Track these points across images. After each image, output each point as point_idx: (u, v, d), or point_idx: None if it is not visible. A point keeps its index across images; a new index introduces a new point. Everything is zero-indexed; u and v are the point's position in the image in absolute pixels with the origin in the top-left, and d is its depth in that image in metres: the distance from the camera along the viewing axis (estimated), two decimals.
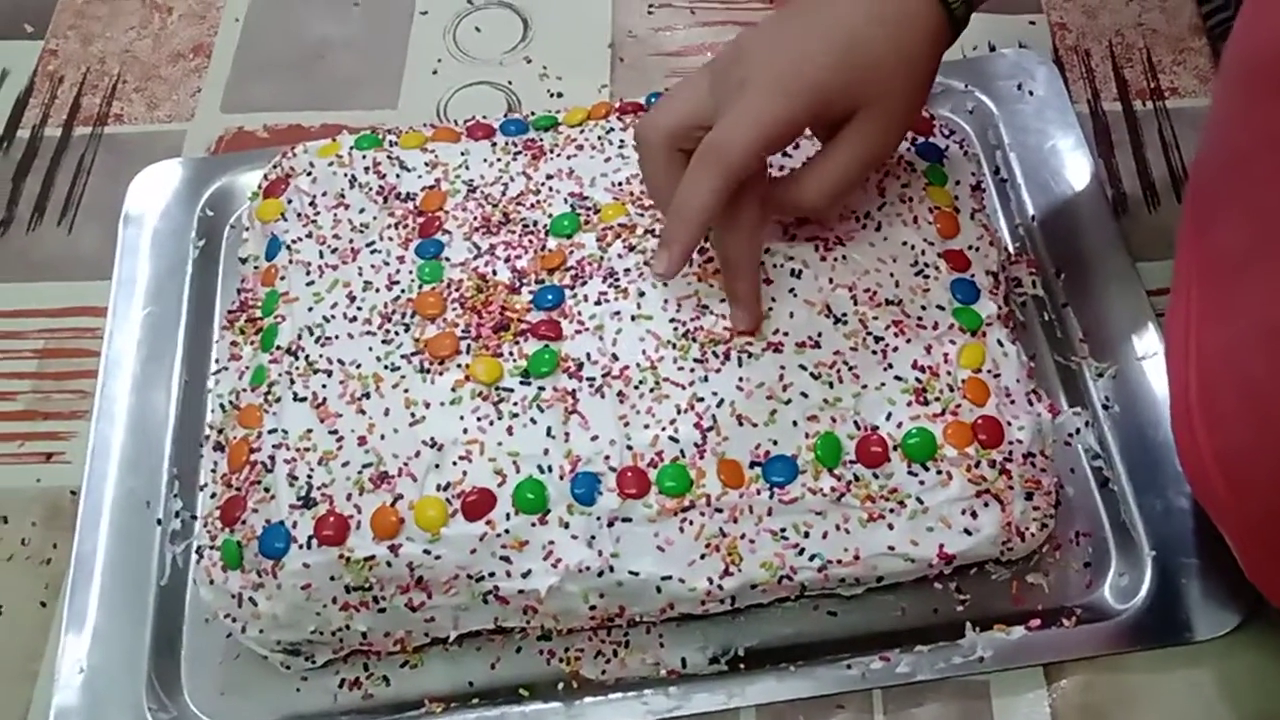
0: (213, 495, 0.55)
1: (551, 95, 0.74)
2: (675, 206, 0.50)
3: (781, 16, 0.52)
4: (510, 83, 0.75)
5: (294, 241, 0.60)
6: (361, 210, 0.60)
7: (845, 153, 0.51)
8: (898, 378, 0.53)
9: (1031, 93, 0.68)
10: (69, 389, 0.65)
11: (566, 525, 0.50)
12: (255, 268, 0.61)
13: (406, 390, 0.53)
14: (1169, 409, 0.53)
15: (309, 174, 0.62)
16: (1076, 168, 0.66)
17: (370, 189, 0.61)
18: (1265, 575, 0.49)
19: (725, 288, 0.54)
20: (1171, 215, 0.66)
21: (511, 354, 0.54)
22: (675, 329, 0.54)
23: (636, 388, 0.53)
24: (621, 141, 0.61)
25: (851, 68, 0.49)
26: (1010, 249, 0.63)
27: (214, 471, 0.56)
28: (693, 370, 0.53)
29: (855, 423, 0.52)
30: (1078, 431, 0.58)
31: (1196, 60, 0.73)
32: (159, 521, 0.58)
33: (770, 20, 0.52)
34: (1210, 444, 0.49)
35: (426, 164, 0.62)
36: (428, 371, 0.54)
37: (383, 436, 0.52)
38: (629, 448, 0.51)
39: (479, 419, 0.52)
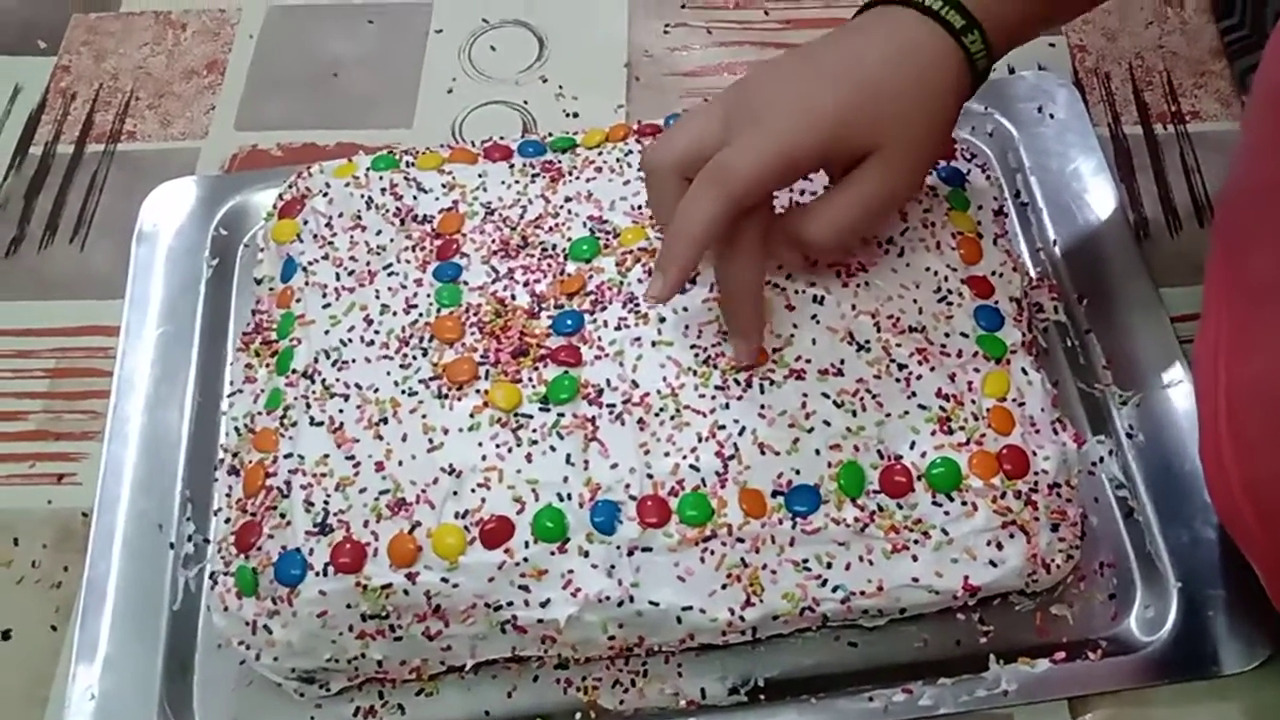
0: (227, 520, 0.54)
1: (567, 115, 0.73)
2: (673, 227, 0.49)
3: (799, 53, 0.51)
4: (526, 102, 0.74)
5: (310, 263, 0.59)
6: (378, 232, 0.60)
7: (857, 191, 0.49)
8: (921, 406, 0.52)
9: (1052, 115, 0.68)
10: (81, 409, 0.64)
11: (586, 554, 0.50)
12: (270, 289, 0.60)
13: (424, 416, 0.53)
14: (1197, 437, 0.52)
15: (325, 194, 0.61)
16: (1098, 191, 0.65)
17: (387, 210, 0.60)
18: None
19: (725, 320, 0.53)
20: (1194, 240, 0.66)
21: (531, 380, 0.53)
22: (696, 355, 0.53)
23: (657, 415, 0.52)
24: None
25: (872, 104, 0.48)
26: (1032, 274, 0.63)
27: (228, 496, 0.55)
28: (714, 398, 0.52)
29: (879, 452, 0.51)
30: (1101, 460, 0.57)
31: (1217, 84, 0.72)
32: (171, 545, 0.58)
33: (786, 56, 0.51)
34: (1239, 473, 0.48)
35: (444, 185, 0.61)
36: (446, 397, 0.53)
37: (400, 463, 0.52)
38: (649, 476, 0.51)
39: (498, 446, 0.52)
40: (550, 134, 0.65)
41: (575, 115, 0.73)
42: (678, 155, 0.50)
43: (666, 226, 0.51)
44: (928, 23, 0.50)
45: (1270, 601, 0.49)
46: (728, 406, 0.52)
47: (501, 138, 0.65)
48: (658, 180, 0.51)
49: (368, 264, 0.59)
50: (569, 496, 0.50)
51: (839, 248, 0.52)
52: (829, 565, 0.50)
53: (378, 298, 0.57)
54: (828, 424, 0.52)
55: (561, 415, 0.52)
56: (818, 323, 0.54)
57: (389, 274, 0.58)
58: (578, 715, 0.52)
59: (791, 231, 0.51)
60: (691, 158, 0.49)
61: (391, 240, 0.59)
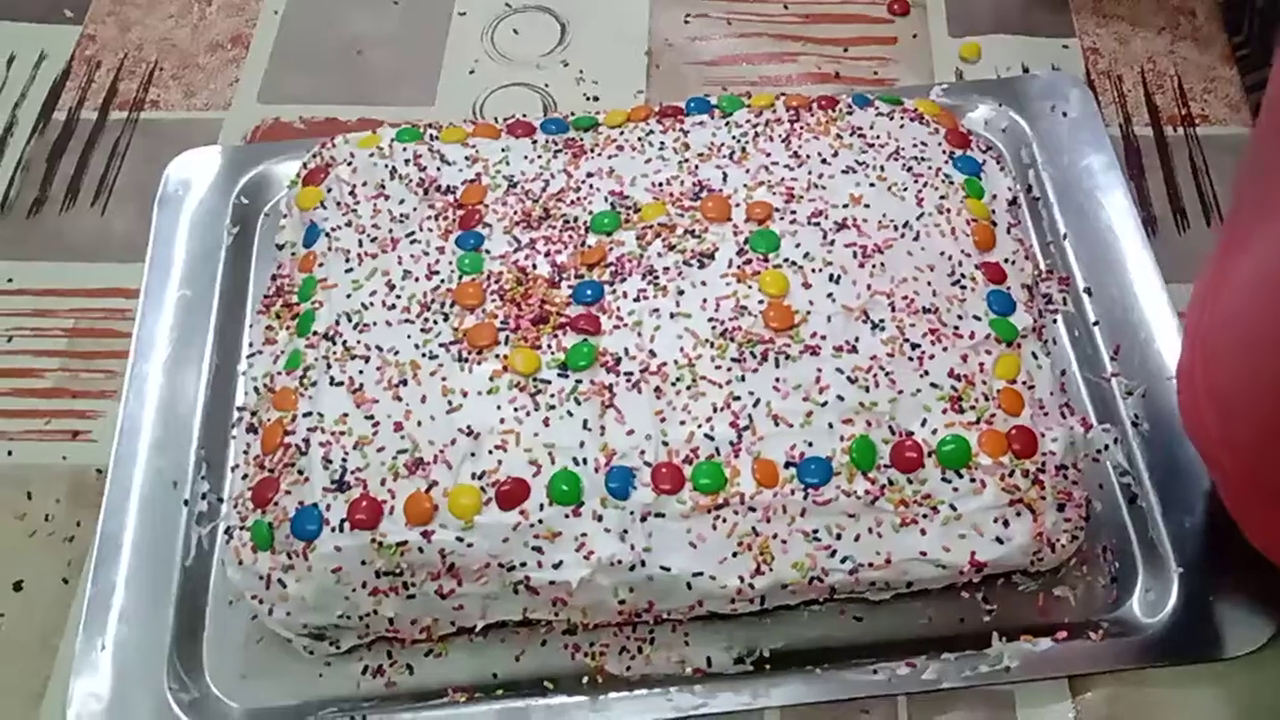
0: (244, 476, 0.55)
1: (587, 99, 0.74)
2: None
3: None
4: (546, 85, 0.75)
5: (333, 229, 0.60)
6: (402, 201, 0.60)
7: None
8: (933, 385, 0.53)
9: (1065, 114, 0.69)
10: (98, 368, 0.65)
11: (600, 518, 0.50)
12: (292, 254, 0.61)
13: (444, 378, 0.53)
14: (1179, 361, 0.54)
15: (349, 164, 0.62)
16: (1108, 188, 0.66)
17: (411, 181, 0.61)
18: (1247, 511, 0.50)
19: None
20: (1201, 239, 0.67)
21: (550, 346, 0.54)
22: (713, 328, 0.54)
23: (674, 384, 0.53)
24: (662, 144, 0.62)
25: None
26: (1042, 266, 0.64)
27: (246, 453, 0.55)
28: (730, 369, 0.53)
29: (890, 427, 0.52)
30: (1106, 448, 0.58)
31: (1227, 89, 0.73)
32: (186, 503, 0.58)
33: None
34: (1204, 380, 0.49)
35: (467, 158, 0.62)
36: (466, 361, 0.54)
37: (419, 423, 0.52)
38: (664, 443, 0.52)
39: (516, 409, 0.52)
40: (572, 113, 0.66)
41: (595, 99, 0.74)
42: None
43: None
44: None
45: (1271, 584, 0.51)
46: (743, 379, 0.53)
47: (524, 115, 0.66)
48: None
49: (390, 231, 0.59)
50: (585, 461, 0.51)
51: None
52: (838, 536, 0.51)
53: (400, 264, 0.58)
54: (841, 399, 0.53)
55: (579, 381, 0.53)
56: (833, 301, 0.55)
57: (411, 241, 0.59)
58: (584, 680, 0.53)
59: None
60: None
61: (414, 209, 0.60)
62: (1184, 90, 0.73)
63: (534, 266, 0.57)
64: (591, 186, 0.60)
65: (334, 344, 0.55)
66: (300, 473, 0.52)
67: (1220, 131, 0.71)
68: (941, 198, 0.59)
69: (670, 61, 0.76)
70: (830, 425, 0.52)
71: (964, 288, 0.56)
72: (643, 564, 0.50)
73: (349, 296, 0.57)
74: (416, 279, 0.57)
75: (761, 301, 0.55)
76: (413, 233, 0.59)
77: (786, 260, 0.56)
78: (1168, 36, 0.76)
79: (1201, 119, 0.72)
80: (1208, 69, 0.74)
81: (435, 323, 0.55)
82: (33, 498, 0.61)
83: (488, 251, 0.58)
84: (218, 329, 0.64)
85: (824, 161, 0.60)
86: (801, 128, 0.62)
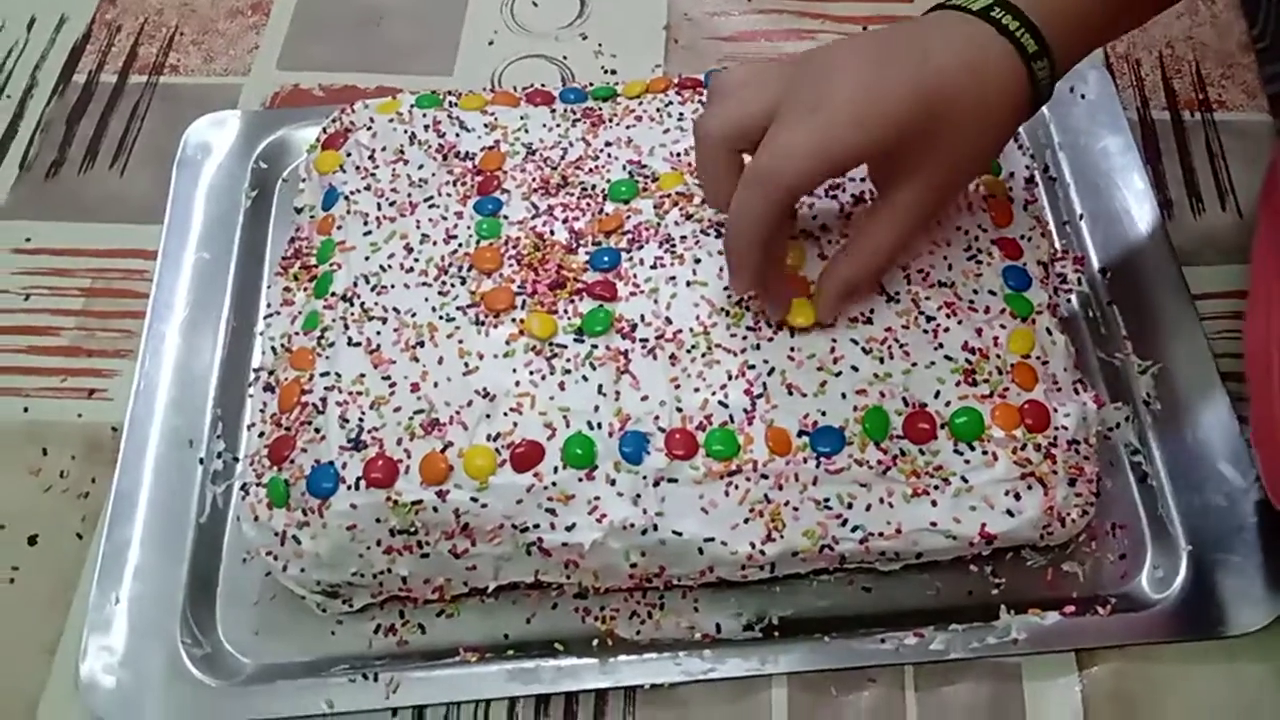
0: (261, 434, 0.55)
1: (605, 72, 0.74)
2: (730, 230, 0.49)
3: (870, 41, 0.50)
4: (565, 58, 0.75)
5: (352, 193, 0.60)
6: (420, 166, 0.61)
7: (890, 220, 0.51)
8: (948, 357, 0.53)
9: (1083, 95, 0.69)
10: (114, 328, 0.65)
11: (613, 482, 0.51)
12: (311, 217, 0.61)
13: (461, 341, 0.54)
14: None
15: (369, 129, 0.62)
16: (1125, 170, 0.66)
17: (430, 146, 0.61)
18: None
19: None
20: (1217, 223, 0.67)
21: (566, 311, 0.54)
22: (729, 296, 0.54)
23: (689, 351, 0.53)
24: (680, 115, 0.62)
25: (931, 108, 0.47)
26: (1057, 245, 0.64)
27: (263, 411, 0.56)
28: (745, 338, 0.54)
29: (904, 399, 0.53)
30: (1118, 426, 0.58)
31: (1245, 76, 0.73)
32: (201, 461, 0.59)
33: (855, 44, 0.50)
34: None
35: (486, 125, 0.62)
36: (483, 324, 0.54)
37: (435, 384, 0.53)
38: (679, 410, 0.52)
39: (531, 372, 0.53)
40: (591, 84, 0.66)
41: (613, 73, 0.74)
42: (728, 128, 0.49)
43: (711, 199, 0.52)
44: (1001, 41, 0.49)
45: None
46: (758, 347, 0.53)
47: (543, 85, 0.66)
48: (707, 153, 0.51)
49: (409, 196, 0.60)
50: (599, 425, 0.51)
51: (878, 276, 0.54)
52: (849, 505, 0.51)
53: (418, 227, 0.58)
54: (855, 369, 0.53)
55: (595, 347, 0.53)
56: None
57: (430, 206, 0.59)
58: (594, 642, 0.53)
59: (837, 277, 0.53)
60: (741, 131, 0.49)
61: (433, 174, 0.60)
62: (1202, 75, 0.73)
63: (551, 233, 0.57)
64: (610, 155, 0.60)
65: (352, 305, 0.56)
66: (317, 431, 0.53)
67: (1237, 117, 0.71)
68: None
69: (689, 36, 0.76)
70: (844, 395, 0.52)
71: (980, 262, 0.56)
72: (655, 528, 0.50)
73: (367, 259, 0.57)
74: (435, 243, 0.57)
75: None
76: (431, 197, 0.59)
77: (803, 231, 0.56)
78: (1186, 22, 0.76)
79: (1219, 104, 0.72)
80: (1226, 55, 0.74)
81: (452, 286, 0.56)
82: (48, 454, 0.61)
83: (506, 217, 0.58)
84: (235, 291, 0.64)
85: None
86: None
